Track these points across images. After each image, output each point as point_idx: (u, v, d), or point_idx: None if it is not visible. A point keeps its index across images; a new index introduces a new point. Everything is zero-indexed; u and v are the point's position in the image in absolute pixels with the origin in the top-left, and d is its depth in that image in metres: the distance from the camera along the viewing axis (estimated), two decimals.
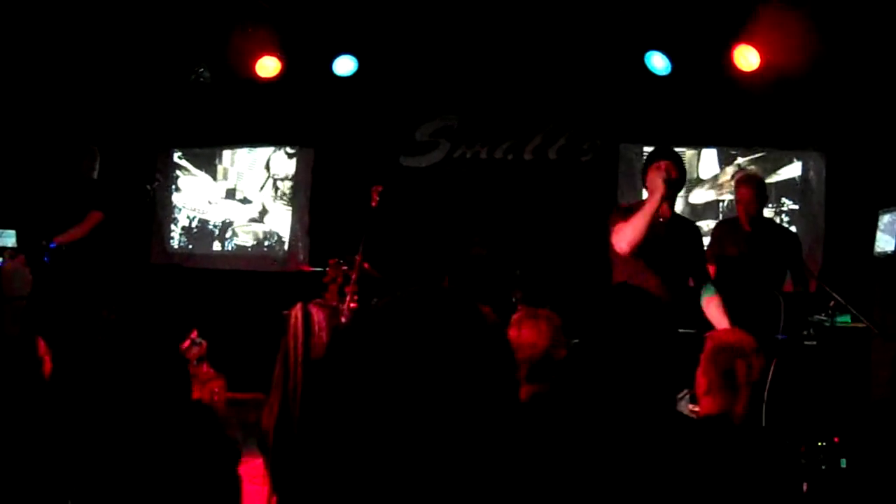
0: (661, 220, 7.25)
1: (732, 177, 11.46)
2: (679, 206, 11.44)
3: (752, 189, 8.95)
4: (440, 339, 2.20)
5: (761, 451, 4.29)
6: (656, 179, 7.15)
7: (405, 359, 2.19)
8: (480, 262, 11.07)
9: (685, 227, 7.62)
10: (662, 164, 7.26)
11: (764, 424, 7.34)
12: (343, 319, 4.36)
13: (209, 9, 11.01)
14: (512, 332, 5.06)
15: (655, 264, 7.20)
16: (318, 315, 4.17)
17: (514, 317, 5.21)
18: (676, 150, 11.03)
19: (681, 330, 9.60)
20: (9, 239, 11.26)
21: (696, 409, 4.71)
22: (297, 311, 4.14)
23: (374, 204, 8.19)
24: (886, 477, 7.42)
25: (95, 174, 9.98)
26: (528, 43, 11.17)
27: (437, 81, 12.05)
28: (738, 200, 9.08)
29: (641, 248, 7.13)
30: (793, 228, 10.72)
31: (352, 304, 7.38)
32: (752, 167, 11.48)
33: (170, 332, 10.84)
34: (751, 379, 4.46)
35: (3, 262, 6.18)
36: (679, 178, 7.34)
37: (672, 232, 7.35)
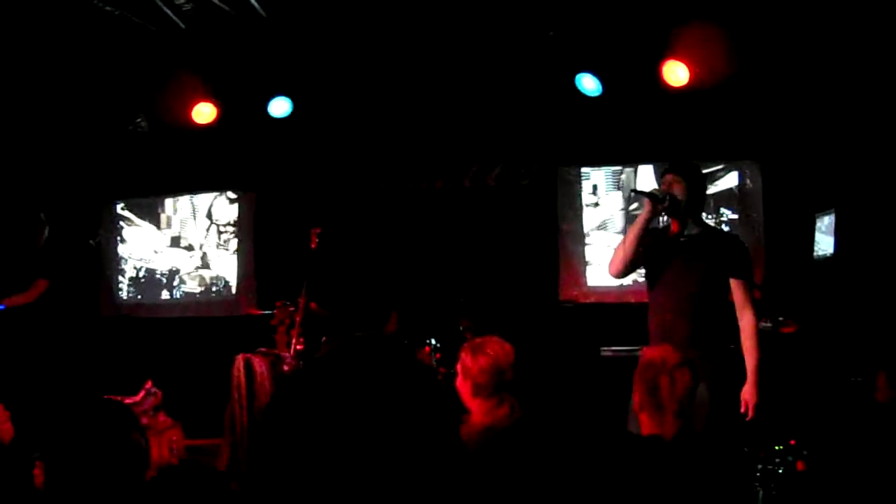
0: (675, 236, 6.95)
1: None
2: (619, 221, 11.58)
3: (675, 176, 8.23)
4: (375, 388, 2.30)
5: (705, 465, 4.35)
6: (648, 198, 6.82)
7: (342, 407, 2.29)
8: (427, 293, 11.14)
9: (715, 241, 6.98)
10: (666, 177, 6.93)
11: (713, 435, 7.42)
12: (285, 367, 4.43)
13: (142, 59, 11.03)
14: (465, 359, 5.15)
15: (670, 286, 6.83)
16: (260, 366, 4.27)
17: (465, 345, 5.29)
18: (613, 168, 11.28)
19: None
20: None
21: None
22: (239, 363, 4.23)
23: (313, 245, 8.24)
24: (845, 477, 7.51)
25: (42, 244, 10.03)
26: (458, 73, 11.21)
27: (370, 117, 12.08)
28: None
29: (647, 270, 7.03)
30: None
31: (298, 346, 7.44)
32: None
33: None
34: (675, 395, 4.49)
35: None
36: (685, 193, 6.80)
37: (692, 249, 6.87)
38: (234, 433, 3.96)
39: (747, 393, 6.61)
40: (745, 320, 6.71)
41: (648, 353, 4.70)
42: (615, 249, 7.02)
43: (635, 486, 4.17)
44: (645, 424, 4.54)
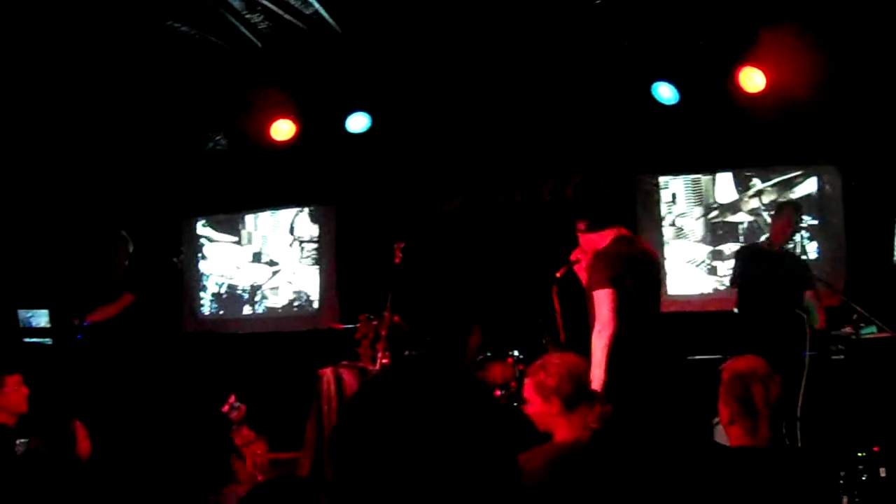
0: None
1: (752, 198, 11.58)
2: (699, 230, 11.54)
3: (791, 216, 9.19)
4: (434, 406, 2.33)
5: (798, 472, 4.35)
6: None
7: (404, 426, 2.32)
8: (509, 306, 11.16)
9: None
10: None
11: (800, 443, 7.41)
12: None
13: (220, 78, 11.14)
14: (539, 374, 5.15)
15: None
16: (349, 378, 4.32)
17: (542, 359, 5.29)
18: (691, 176, 11.27)
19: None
20: (42, 318, 11.41)
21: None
22: (328, 376, 4.28)
23: (397, 261, 8.29)
24: None
25: (126, 262, 10.19)
26: (536, 85, 11.20)
27: (448, 131, 12.12)
28: (776, 225, 9.28)
29: None
30: (814, 244, 10.78)
31: (384, 360, 7.49)
32: (770, 188, 11.55)
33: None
34: (769, 403, 4.50)
35: None
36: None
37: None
38: (318, 449, 3.99)
39: None
40: None
41: (734, 365, 4.68)
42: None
43: (733, 497, 4.19)
44: (735, 437, 4.53)
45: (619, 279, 7.13)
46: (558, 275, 7.67)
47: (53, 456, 4.85)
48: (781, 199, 11.31)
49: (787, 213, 9.43)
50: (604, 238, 7.43)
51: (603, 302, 7.08)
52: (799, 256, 9.82)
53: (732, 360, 4.78)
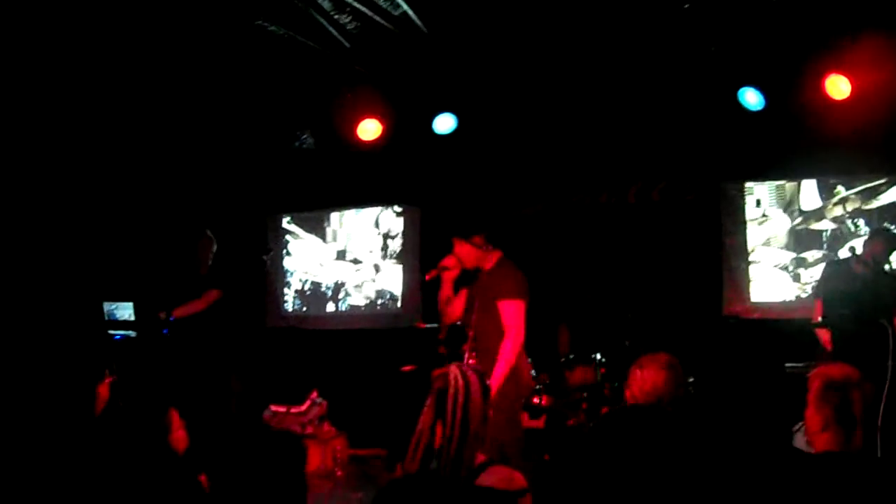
0: (482, 273, 7.83)
1: (836, 206, 11.54)
2: (783, 236, 11.51)
3: (887, 244, 9.42)
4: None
5: (882, 481, 4.36)
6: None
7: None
8: (594, 309, 11.21)
9: (496, 273, 7.82)
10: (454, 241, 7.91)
11: (879, 453, 7.39)
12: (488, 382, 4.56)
13: (309, 77, 11.24)
14: (637, 373, 5.24)
15: (472, 316, 7.71)
16: (474, 380, 4.39)
17: (639, 360, 5.37)
18: (777, 182, 11.23)
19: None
20: (126, 311, 11.58)
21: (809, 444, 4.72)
22: (455, 371, 4.34)
23: None
24: None
25: (211, 260, 10.34)
26: (622, 88, 11.21)
27: (534, 132, 12.16)
28: (871, 250, 9.30)
29: None
30: None
31: (471, 360, 7.55)
32: (854, 196, 11.49)
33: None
34: (866, 407, 4.50)
35: None
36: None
37: (487, 281, 7.76)
38: (431, 443, 4.04)
39: None
40: None
41: (828, 371, 4.68)
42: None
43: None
44: (825, 444, 4.52)
45: (527, 293, 7.74)
46: (427, 278, 7.74)
47: (147, 444, 4.93)
48: (865, 207, 11.30)
49: (882, 242, 9.43)
50: (491, 257, 7.81)
51: (518, 312, 7.61)
52: (892, 276, 9.79)
53: (824, 367, 4.77)
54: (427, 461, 4.23)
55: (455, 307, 7.84)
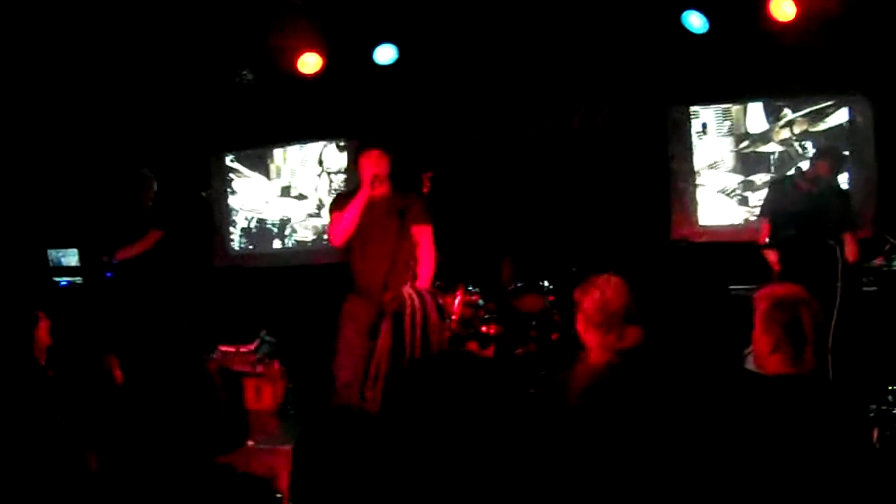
0: (376, 201, 7.82)
1: (783, 129, 11.50)
2: (730, 160, 11.48)
3: (834, 163, 9.41)
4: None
5: (833, 402, 4.32)
6: (364, 171, 7.78)
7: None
8: (538, 238, 11.16)
9: (402, 199, 7.94)
10: (372, 153, 7.87)
11: (831, 375, 7.38)
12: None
13: (245, 11, 11.08)
14: (578, 296, 5.18)
15: (376, 245, 7.75)
16: (429, 299, 4.31)
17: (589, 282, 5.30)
18: (722, 106, 11.18)
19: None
20: (72, 257, 11.46)
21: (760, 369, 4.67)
22: (411, 293, 4.26)
23: (425, 190, 8.26)
24: None
25: (151, 202, 10.22)
26: (564, 14, 11.11)
27: (476, 62, 12.02)
28: (816, 169, 9.24)
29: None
30: (845, 174, 10.63)
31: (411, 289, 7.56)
32: (801, 118, 11.46)
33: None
34: (816, 325, 4.44)
35: None
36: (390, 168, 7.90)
37: (389, 208, 7.82)
38: (391, 367, 3.93)
39: None
40: None
41: (774, 291, 4.61)
42: (337, 220, 7.93)
43: (771, 424, 4.17)
44: (777, 365, 4.46)
45: None
46: (376, 194, 7.74)
47: (90, 389, 4.87)
48: (812, 130, 11.29)
49: (828, 160, 9.35)
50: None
51: (431, 237, 7.91)
52: (843, 194, 9.76)
53: (769, 288, 4.71)
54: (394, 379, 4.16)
55: (347, 227, 7.78)
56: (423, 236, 7.86)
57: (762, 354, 4.52)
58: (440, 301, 4.60)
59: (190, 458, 3.70)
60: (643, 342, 5.05)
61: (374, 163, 7.77)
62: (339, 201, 8.05)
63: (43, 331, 5.87)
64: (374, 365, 4.13)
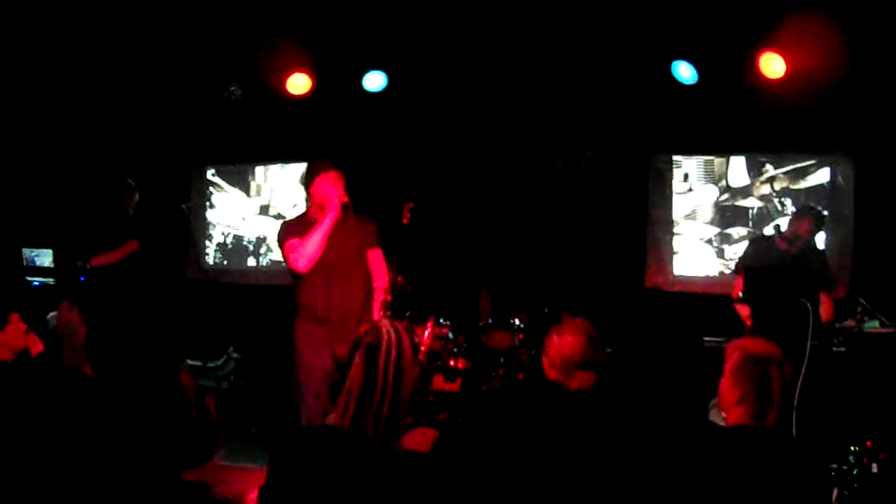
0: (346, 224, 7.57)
1: (763, 184, 11.55)
2: (709, 211, 11.53)
3: (812, 225, 9.34)
4: None
5: (793, 459, 4.34)
6: (330, 194, 7.51)
7: None
8: (515, 275, 11.18)
9: (354, 223, 7.66)
10: (332, 174, 7.62)
11: (794, 432, 7.41)
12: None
13: (238, 28, 11.09)
14: (554, 338, 5.21)
15: (327, 271, 7.59)
16: (405, 337, 4.28)
17: (555, 326, 5.34)
18: (705, 158, 11.22)
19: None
20: (46, 258, 11.44)
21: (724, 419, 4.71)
22: (388, 328, 4.23)
23: (405, 221, 8.23)
24: None
25: (132, 211, 10.19)
26: (555, 55, 11.16)
27: (464, 95, 12.03)
28: (795, 228, 9.27)
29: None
30: (822, 234, 10.68)
31: (384, 319, 7.52)
32: (783, 175, 11.51)
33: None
34: (784, 386, 4.49)
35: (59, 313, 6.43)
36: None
37: (343, 232, 7.55)
38: (366, 397, 3.93)
39: None
40: None
41: (749, 346, 4.64)
42: (301, 247, 7.57)
43: (726, 476, 4.19)
44: (739, 418, 4.49)
45: None
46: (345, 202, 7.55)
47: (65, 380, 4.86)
48: (793, 187, 11.35)
49: (809, 221, 9.37)
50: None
51: (384, 260, 7.89)
52: (819, 253, 9.80)
53: (744, 341, 4.75)
54: (359, 418, 4.13)
55: (318, 251, 7.52)
56: (376, 260, 7.86)
57: (728, 404, 4.56)
58: (415, 340, 4.63)
59: (159, 469, 3.69)
60: (593, 387, 5.09)
61: (336, 183, 7.57)
62: (293, 228, 7.78)
63: (12, 332, 5.84)
64: (342, 397, 4.11)
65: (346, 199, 7.48)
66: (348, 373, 4.26)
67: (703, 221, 11.85)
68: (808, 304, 8.46)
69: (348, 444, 3.97)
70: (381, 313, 7.48)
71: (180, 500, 3.60)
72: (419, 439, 4.27)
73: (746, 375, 4.49)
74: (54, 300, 10.27)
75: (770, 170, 11.64)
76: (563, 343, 5.15)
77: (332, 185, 7.55)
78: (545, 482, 4.39)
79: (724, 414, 4.64)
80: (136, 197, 10.28)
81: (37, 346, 5.98)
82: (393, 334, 4.21)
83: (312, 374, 7.55)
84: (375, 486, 3.85)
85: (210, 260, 14.06)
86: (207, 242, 14.04)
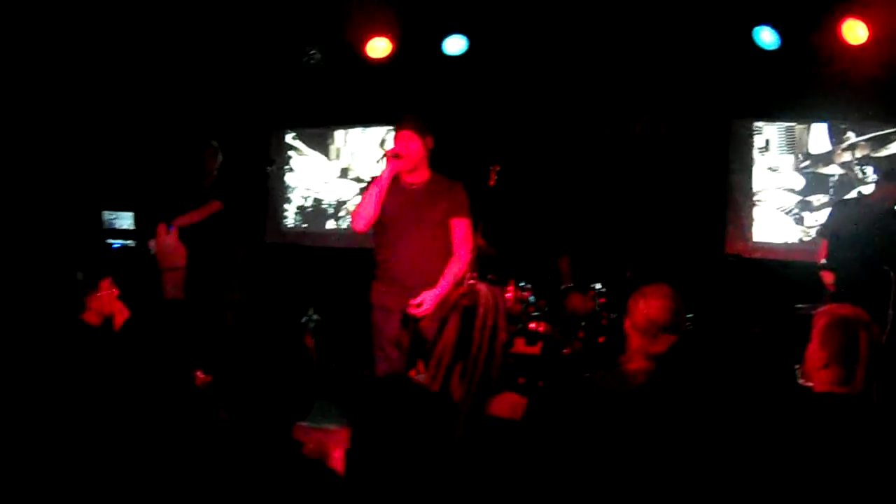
0: (413, 187, 7.46)
1: (845, 151, 11.47)
2: (789, 178, 11.46)
3: None
4: None
5: (880, 423, 4.34)
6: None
7: None
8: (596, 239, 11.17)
9: (443, 188, 7.56)
10: (396, 134, 7.50)
11: (875, 399, 7.38)
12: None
13: None
14: (640, 301, 5.22)
15: (404, 234, 7.43)
16: (502, 301, 4.30)
17: (639, 289, 5.35)
18: (787, 124, 11.13)
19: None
20: (126, 221, 11.54)
21: (809, 384, 4.70)
22: (486, 292, 4.24)
23: (491, 183, 8.20)
24: None
25: (216, 172, 10.26)
26: (637, 20, 11.11)
27: (545, 59, 12.01)
28: (881, 192, 9.18)
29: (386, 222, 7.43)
30: None
31: (470, 280, 7.49)
32: (864, 142, 11.42)
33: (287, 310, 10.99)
34: (872, 348, 4.47)
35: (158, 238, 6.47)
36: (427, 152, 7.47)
37: (427, 196, 7.47)
38: (452, 362, 3.95)
39: None
40: None
41: (837, 310, 4.64)
42: (358, 206, 7.49)
43: (815, 442, 4.19)
44: (825, 382, 4.49)
45: None
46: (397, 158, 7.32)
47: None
48: (874, 155, 11.27)
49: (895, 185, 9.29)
50: (424, 170, 7.57)
51: (470, 230, 7.51)
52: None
53: (833, 306, 4.74)
54: (448, 381, 4.16)
55: (370, 209, 7.38)
56: (459, 229, 7.49)
57: (813, 369, 4.55)
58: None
59: (274, 421, 3.73)
60: (677, 348, 5.09)
61: (401, 142, 7.40)
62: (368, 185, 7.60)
63: (105, 297, 5.92)
64: (433, 360, 4.12)
65: (394, 152, 7.32)
66: (441, 336, 4.28)
67: (784, 188, 11.80)
68: (890, 272, 8.41)
69: (436, 402, 4.01)
70: (464, 281, 7.40)
71: (282, 459, 3.65)
72: (508, 405, 4.27)
73: (834, 338, 4.48)
74: (132, 261, 10.45)
75: (851, 137, 11.55)
76: (650, 306, 5.16)
77: (397, 142, 7.45)
78: (639, 449, 4.40)
79: (809, 375, 4.63)
80: (220, 158, 10.36)
81: (123, 313, 6.04)
82: (491, 298, 4.22)
83: (383, 335, 7.58)
84: (461, 449, 3.89)
85: (289, 223, 14.16)
86: (287, 206, 14.15)
